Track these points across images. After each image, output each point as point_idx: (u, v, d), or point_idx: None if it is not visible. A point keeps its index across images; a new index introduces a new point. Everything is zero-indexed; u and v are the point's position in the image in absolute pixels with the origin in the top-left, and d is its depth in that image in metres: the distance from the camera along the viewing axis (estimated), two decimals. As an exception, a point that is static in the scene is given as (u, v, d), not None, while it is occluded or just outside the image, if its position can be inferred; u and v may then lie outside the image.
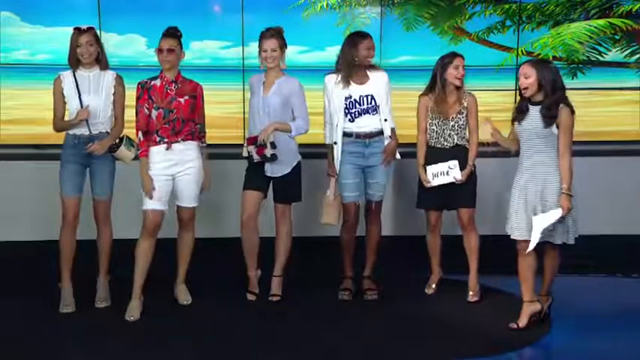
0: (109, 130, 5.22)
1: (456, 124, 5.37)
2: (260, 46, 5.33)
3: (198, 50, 7.00)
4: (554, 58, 7.07)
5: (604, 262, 6.30)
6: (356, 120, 5.42)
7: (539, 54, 7.04)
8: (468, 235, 5.46)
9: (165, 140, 5.14)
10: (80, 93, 5.16)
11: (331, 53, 5.55)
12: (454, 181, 5.31)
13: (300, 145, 5.47)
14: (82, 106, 5.14)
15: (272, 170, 5.34)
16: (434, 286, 5.64)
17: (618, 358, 4.66)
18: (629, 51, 7.25)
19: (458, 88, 5.36)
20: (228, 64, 7.04)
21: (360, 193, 5.52)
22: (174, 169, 5.15)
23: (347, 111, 5.42)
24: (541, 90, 4.76)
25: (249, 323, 5.07)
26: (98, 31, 5.30)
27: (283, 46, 5.34)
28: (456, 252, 5.52)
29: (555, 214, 4.70)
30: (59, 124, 5.25)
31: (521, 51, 7.12)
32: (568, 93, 4.87)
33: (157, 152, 5.15)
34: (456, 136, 5.38)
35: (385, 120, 5.42)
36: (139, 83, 5.21)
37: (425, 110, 5.44)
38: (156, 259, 5.16)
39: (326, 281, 5.69)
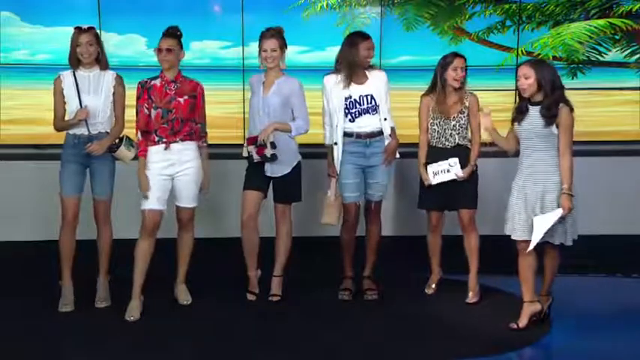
0: (108, 130, 5.22)
1: (457, 124, 5.37)
2: (260, 46, 5.33)
3: (198, 50, 7.00)
4: (554, 58, 7.08)
5: (604, 262, 6.30)
6: (356, 120, 5.42)
7: (539, 54, 7.05)
8: (469, 236, 5.46)
9: (164, 140, 5.13)
10: (80, 93, 5.16)
11: (331, 53, 5.54)
12: (455, 177, 5.30)
13: (300, 145, 5.47)
14: (81, 106, 5.14)
15: (272, 170, 5.34)
16: (434, 286, 5.64)
17: (618, 358, 4.66)
18: (629, 51, 7.25)
19: (458, 88, 5.36)
20: (228, 64, 7.04)
21: (360, 193, 5.52)
22: (173, 169, 5.15)
23: (347, 111, 5.42)
24: (540, 90, 4.76)
25: (249, 323, 5.07)
26: (98, 31, 5.30)
27: (283, 46, 5.34)
28: (456, 252, 5.52)
29: (556, 214, 4.70)
30: (59, 124, 5.25)
31: (521, 51, 7.12)
32: (568, 93, 4.88)
33: (155, 152, 5.15)
34: (457, 136, 5.38)
35: (385, 119, 5.42)
36: (139, 83, 5.21)
37: (426, 110, 5.44)
38: (155, 259, 5.16)
39: (326, 281, 5.69)
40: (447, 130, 5.39)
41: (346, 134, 5.44)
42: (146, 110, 5.15)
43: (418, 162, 5.47)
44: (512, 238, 4.86)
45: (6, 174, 6.89)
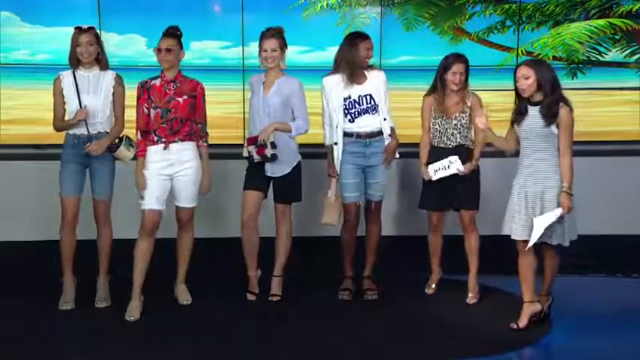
0: (108, 130, 5.22)
1: (459, 123, 5.37)
2: (260, 46, 5.33)
3: (198, 50, 7.00)
4: (554, 58, 7.08)
5: (604, 262, 6.29)
6: (356, 120, 5.42)
7: (539, 54, 7.05)
8: (469, 236, 5.46)
9: (163, 140, 5.13)
10: (79, 93, 5.16)
11: (331, 53, 5.54)
12: (457, 172, 5.28)
13: (300, 145, 5.47)
14: (81, 106, 5.14)
15: (272, 170, 5.34)
16: (434, 286, 5.64)
17: (618, 358, 4.66)
18: (629, 51, 7.25)
19: (460, 89, 5.35)
20: (228, 64, 7.05)
21: (360, 193, 5.52)
22: (172, 169, 5.15)
23: (346, 111, 5.42)
24: (540, 90, 4.76)
25: (249, 323, 5.07)
26: (98, 31, 5.30)
27: (283, 46, 5.34)
28: (456, 252, 5.52)
29: (555, 213, 4.70)
30: (59, 124, 5.25)
31: (521, 51, 7.12)
32: (567, 93, 4.88)
33: (154, 152, 5.15)
34: (458, 135, 5.38)
35: (384, 119, 5.42)
36: (140, 83, 5.22)
37: (429, 110, 5.44)
38: (155, 259, 5.16)
39: (326, 281, 5.69)
40: (448, 130, 5.39)
41: (346, 134, 5.44)
42: (145, 110, 5.15)
43: (419, 161, 5.47)
44: (512, 237, 4.86)
45: (6, 174, 6.89)
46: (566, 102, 4.77)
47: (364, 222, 5.60)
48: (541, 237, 4.76)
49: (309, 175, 5.68)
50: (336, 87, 5.41)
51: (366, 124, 5.42)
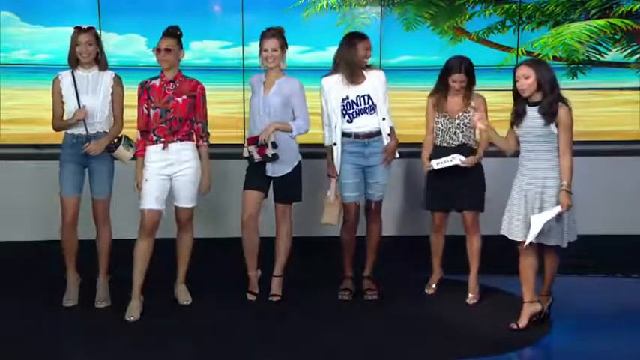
0: (107, 130, 5.23)
1: (462, 123, 5.36)
2: (261, 46, 5.33)
3: (198, 50, 6.99)
4: (554, 58, 7.08)
5: (604, 262, 6.29)
6: (354, 120, 5.42)
7: (539, 54, 7.05)
8: (471, 238, 5.45)
9: (162, 140, 5.13)
10: (78, 93, 5.16)
11: (331, 53, 5.54)
12: (459, 163, 5.25)
13: (300, 145, 5.47)
14: (80, 106, 5.14)
15: (273, 170, 5.34)
16: (434, 286, 5.64)
17: (618, 358, 4.66)
18: (629, 51, 7.25)
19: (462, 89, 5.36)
20: (228, 64, 7.04)
21: (360, 193, 5.52)
22: (171, 169, 5.15)
23: (344, 112, 5.42)
24: (539, 90, 4.76)
25: (249, 323, 5.07)
26: (98, 31, 5.30)
27: (284, 46, 5.34)
28: (457, 252, 5.52)
29: (554, 211, 4.70)
30: (58, 124, 5.26)
31: (521, 51, 7.12)
32: (568, 93, 4.88)
33: (153, 152, 5.15)
34: (461, 135, 5.37)
35: (383, 119, 5.42)
36: (140, 83, 5.22)
37: (433, 110, 5.44)
38: (155, 259, 5.16)
39: (326, 281, 5.69)
40: (451, 129, 5.38)
41: (345, 134, 5.44)
42: (145, 110, 5.16)
43: (422, 156, 5.44)
44: (512, 238, 4.85)
45: (6, 174, 6.89)
46: (565, 102, 4.78)
47: (364, 222, 5.60)
48: (539, 237, 4.77)
49: (309, 175, 5.68)
50: (334, 87, 5.41)
51: (364, 124, 5.42)
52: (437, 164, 5.31)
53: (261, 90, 5.36)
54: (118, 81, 5.25)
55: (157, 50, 5.10)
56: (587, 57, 7.21)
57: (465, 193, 5.37)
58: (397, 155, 5.52)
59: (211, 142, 5.30)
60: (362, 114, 5.41)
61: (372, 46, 5.50)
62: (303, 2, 7.01)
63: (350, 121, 5.43)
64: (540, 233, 4.75)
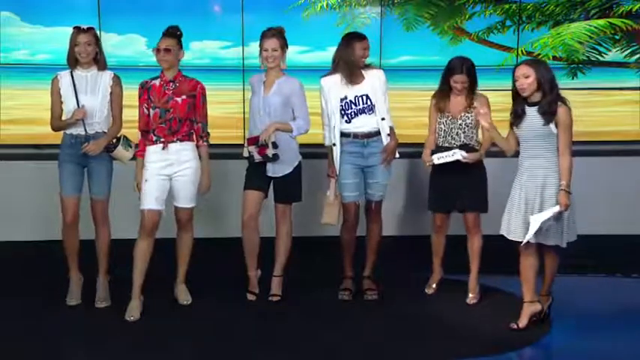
0: (105, 130, 5.23)
1: (464, 123, 5.36)
2: (261, 46, 5.33)
3: (198, 50, 6.99)
4: (554, 58, 7.08)
5: (604, 262, 6.30)
6: (352, 120, 5.42)
7: (539, 54, 7.05)
8: (472, 238, 5.45)
9: (162, 140, 5.13)
10: (77, 93, 5.16)
11: (331, 53, 5.54)
12: (460, 158, 5.24)
13: (301, 145, 5.47)
14: (78, 106, 5.14)
15: (274, 170, 5.34)
16: (434, 285, 5.64)
17: (618, 358, 4.66)
18: (629, 51, 7.25)
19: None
20: (228, 64, 7.04)
21: (359, 192, 5.51)
22: (171, 169, 5.15)
23: (343, 112, 5.42)
24: (539, 89, 4.76)
25: (249, 323, 5.07)
26: (98, 31, 5.30)
27: (284, 46, 5.34)
28: (458, 252, 5.52)
29: (553, 210, 4.70)
30: (56, 124, 5.26)
31: (521, 51, 7.12)
32: (568, 93, 4.89)
33: (153, 152, 5.15)
34: (463, 135, 5.36)
35: (383, 119, 5.41)
36: (140, 83, 5.22)
37: (435, 110, 5.44)
38: (155, 259, 5.16)
39: (326, 281, 5.69)
40: (453, 129, 5.38)
41: (344, 134, 5.44)
42: (146, 110, 5.16)
43: (422, 158, 5.42)
44: (511, 239, 4.85)
45: (6, 174, 6.89)
46: (564, 101, 4.78)
47: (365, 222, 5.60)
48: (537, 237, 4.77)
49: (309, 175, 5.68)
50: (333, 87, 5.41)
51: (362, 124, 5.42)
52: (438, 159, 5.30)
53: (262, 90, 5.36)
54: (116, 81, 5.25)
55: (157, 50, 5.10)
56: (587, 57, 7.22)
57: (467, 193, 5.36)
58: (397, 155, 5.52)
59: (211, 142, 5.30)
60: (360, 114, 5.41)
61: (370, 46, 5.49)
62: (303, 2, 7.01)
63: (348, 122, 5.43)
64: (539, 233, 4.76)
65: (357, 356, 4.63)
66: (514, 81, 4.82)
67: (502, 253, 5.02)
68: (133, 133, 5.33)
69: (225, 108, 6.85)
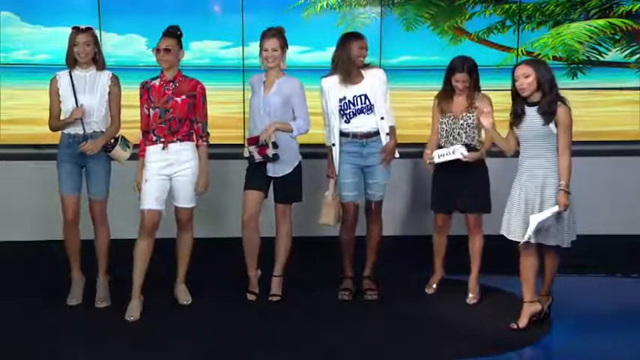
0: (104, 130, 5.22)
1: (465, 123, 5.35)
2: (261, 46, 5.33)
3: (198, 50, 6.99)
4: (554, 58, 7.08)
5: (604, 262, 6.29)
6: (351, 120, 5.42)
7: (539, 54, 7.05)
8: (473, 238, 5.45)
9: (162, 140, 5.13)
10: (76, 92, 5.16)
11: (331, 53, 5.54)
12: (461, 157, 5.24)
13: (301, 145, 5.47)
14: (77, 106, 5.14)
15: (274, 170, 5.34)
16: (434, 285, 5.64)
17: (618, 358, 4.66)
18: (629, 51, 7.25)
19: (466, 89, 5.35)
20: (228, 64, 7.04)
21: (358, 192, 5.51)
22: (171, 169, 5.14)
23: (342, 112, 5.42)
24: (539, 89, 4.76)
25: (249, 323, 5.07)
26: (98, 31, 5.31)
27: (284, 46, 5.34)
28: (459, 252, 5.51)
29: (552, 210, 4.70)
30: (54, 124, 5.26)
31: (521, 51, 7.12)
32: (568, 93, 4.89)
33: (153, 152, 5.15)
34: (464, 135, 5.35)
35: (382, 118, 5.41)
36: (141, 83, 5.23)
37: (437, 111, 5.43)
38: (155, 259, 5.16)
39: (326, 281, 5.69)
40: (455, 130, 5.37)
41: (343, 134, 5.44)
42: (146, 110, 5.16)
43: (424, 157, 5.42)
44: (511, 239, 4.85)
45: (6, 174, 6.88)
46: (564, 101, 4.78)
47: (365, 222, 5.60)
48: (537, 237, 4.77)
49: (309, 175, 5.68)
50: (333, 88, 5.41)
51: (361, 124, 5.42)
52: (439, 156, 5.29)
53: (261, 90, 5.36)
54: (115, 81, 5.25)
55: (157, 50, 5.10)
56: (587, 57, 7.21)
57: (468, 194, 5.36)
58: (397, 155, 5.52)
59: (211, 142, 5.29)
60: (359, 114, 5.41)
61: (367, 46, 5.46)
62: (303, 2, 7.01)
63: (347, 122, 5.43)
64: (539, 233, 4.76)
65: (357, 356, 4.62)
66: (513, 81, 4.82)
67: (502, 253, 5.02)
68: (132, 133, 5.33)
69: (225, 108, 6.85)
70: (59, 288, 5.35)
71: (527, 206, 4.79)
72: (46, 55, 6.90)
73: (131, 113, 5.36)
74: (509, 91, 4.90)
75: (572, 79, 7.16)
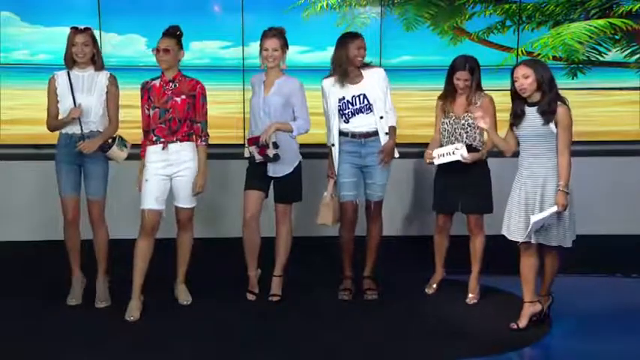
0: (101, 130, 5.22)
1: (466, 123, 5.35)
2: (261, 46, 5.33)
3: (198, 50, 6.99)
4: (554, 58, 7.08)
5: (604, 262, 6.29)
6: (350, 120, 5.42)
7: (539, 54, 7.05)
8: (474, 239, 5.45)
9: (162, 140, 5.13)
10: (74, 92, 5.16)
11: (331, 53, 5.54)
12: (460, 159, 5.24)
13: (301, 145, 5.47)
14: (75, 105, 5.14)
15: (274, 170, 5.34)
16: (435, 285, 5.64)
17: (618, 358, 4.66)
18: (629, 51, 7.25)
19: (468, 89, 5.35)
20: (228, 64, 7.04)
21: (357, 192, 5.51)
22: (171, 169, 5.14)
23: (341, 112, 5.42)
24: (539, 89, 4.76)
25: (249, 323, 5.07)
26: (98, 31, 5.32)
27: (284, 46, 5.34)
28: (460, 252, 5.51)
29: (551, 210, 4.70)
30: (52, 123, 5.26)
31: (521, 51, 7.12)
32: (568, 93, 4.89)
33: (153, 152, 5.15)
34: (465, 135, 5.35)
35: (381, 118, 5.41)
36: (141, 84, 5.23)
37: (440, 111, 5.43)
38: (155, 259, 5.16)
39: (326, 281, 5.69)
40: (456, 130, 5.37)
41: (342, 134, 5.44)
42: (146, 110, 5.16)
43: (424, 157, 5.42)
44: (511, 239, 4.85)
45: (6, 174, 6.89)
46: (564, 101, 4.78)
47: (365, 222, 5.60)
48: (539, 238, 4.77)
49: (309, 175, 5.68)
50: (332, 88, 5.41)
51: (360, 124, 5.41)
52: (439, 156, 5.29)
53: (262, 90, 5.36)
54: (113, 81, 5.25)
55: (156, 50, 5.10)
56: (587, 57, 7.22)
57: (469, 194, 5.36)
58: (397, 155, 5.52)
59: (211, 142, 5.29)
60: (358, 114, 5.41)
61: (365, 45, 5.43)
62: (303, 2, 7.01)
63: (346, 121, 5.43)
64: (539, 233, 4.76)
65: (357, 356, 4.62)
66: (513, 81, 4.82)
67: (502, 253, 5.02)
68: (131, 133, 5.33)
69: (225, 108, 6.85)
70: (59, 288, 5.35)
71: (528, 206, 4.79)
72: (45, 55, 6.90)
73: (130, 113, 5.36)
74: (509, 91, 4.90)
75: (572, 79, 7.16)
